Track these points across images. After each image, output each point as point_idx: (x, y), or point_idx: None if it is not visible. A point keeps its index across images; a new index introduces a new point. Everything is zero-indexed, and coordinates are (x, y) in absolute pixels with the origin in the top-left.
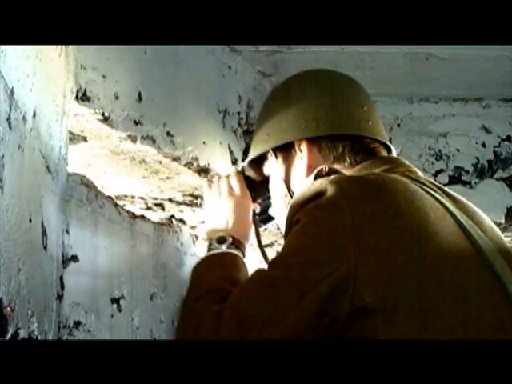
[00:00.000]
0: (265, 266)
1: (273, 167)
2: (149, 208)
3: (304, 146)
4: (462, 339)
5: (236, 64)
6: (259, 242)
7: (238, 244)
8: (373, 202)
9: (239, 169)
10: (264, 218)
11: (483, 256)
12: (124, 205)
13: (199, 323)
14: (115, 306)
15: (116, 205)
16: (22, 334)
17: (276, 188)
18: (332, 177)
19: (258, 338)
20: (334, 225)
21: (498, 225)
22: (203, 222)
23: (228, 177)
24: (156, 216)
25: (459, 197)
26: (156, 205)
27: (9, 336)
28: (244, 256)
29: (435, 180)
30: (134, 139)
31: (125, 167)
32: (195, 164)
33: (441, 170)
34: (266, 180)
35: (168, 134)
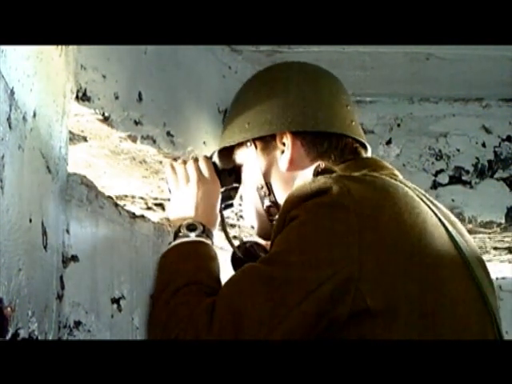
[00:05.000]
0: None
1: (250, 157)
2: (149, 208)
3: (288, 140)
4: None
5: (236, 64)
6: (225, 231)
7: (208, 232)
8: (377, 204)
9: (208, 155)
10: (221, 207)
11: (467, 265)
12: (124, 205)
13: (185, 317)
14: (115, 306)
15: (116, 205)
16: (23, 334)
17: (251, 179)
18: (335, 175)
19: (254, 337)
20: (338, 225)
21: (498, 225)
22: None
23: (196, 161)
24: (156, 216)
25: (439, 204)
26: (156, 205)
27: (9, 336)
28: (213, 244)
29: (435, 180)
30: (134, 139)
31: (125, 167)
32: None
33: (441, 170)
34: (233, 169)
35: (168, 133)
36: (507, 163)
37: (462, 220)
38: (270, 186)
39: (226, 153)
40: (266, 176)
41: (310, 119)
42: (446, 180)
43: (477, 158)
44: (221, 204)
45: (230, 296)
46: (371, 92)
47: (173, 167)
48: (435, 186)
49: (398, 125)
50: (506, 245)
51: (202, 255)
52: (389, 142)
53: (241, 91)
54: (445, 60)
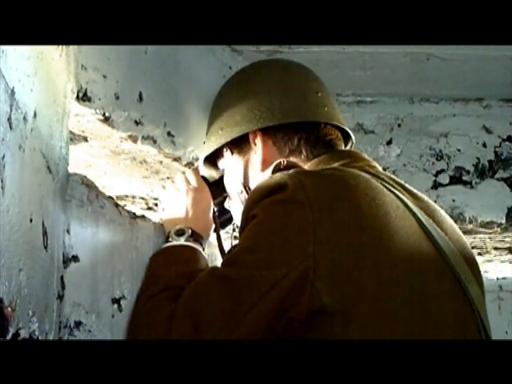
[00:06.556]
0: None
1: (228, 163)
2: (149, 208)
3: (258, 140)
4: (422, 340)
5: (237, 64)
6: (219, 241)
7: (197, 237)
8: (334, 198)
9: (194, 167)
10: (221, 221)
11: (443, 257)
12: (125, 205)
13: (151, 322)
14: (116, 306)
15: (117, 205)
16: (23, 334)
17: (231, 185)
18: (291, 171)
19: (213, 339)
20: (293, 222)
21: (499, 225)
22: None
23: (183, 173)
24: (157, 216)
25: (420, 194)
26: (157, 205)
27: (9, 336)
28: (203, 249)
29: (436, 180)
30: (134, 139)
31: (125, 167)
32: (196, 164)
33: (441, 170)
34: (221, 179)
35: (169, 134)
36: (508, 163)
37: (463, 220)
38: (249, 189)
39: (212, 164)
40: (245, 180)
41: (277, 113)
42: (447, 180)
43: (477, 158)
44: (217, 218)
45: (188, 301)
46: (371, 92)
47: (163, 186)
48: (436, 186)
49: (399, 125)
50: (507, 245)
51: (186, 259)
52: (389, 142)
53: (214, 100)
54: (445, 60)
